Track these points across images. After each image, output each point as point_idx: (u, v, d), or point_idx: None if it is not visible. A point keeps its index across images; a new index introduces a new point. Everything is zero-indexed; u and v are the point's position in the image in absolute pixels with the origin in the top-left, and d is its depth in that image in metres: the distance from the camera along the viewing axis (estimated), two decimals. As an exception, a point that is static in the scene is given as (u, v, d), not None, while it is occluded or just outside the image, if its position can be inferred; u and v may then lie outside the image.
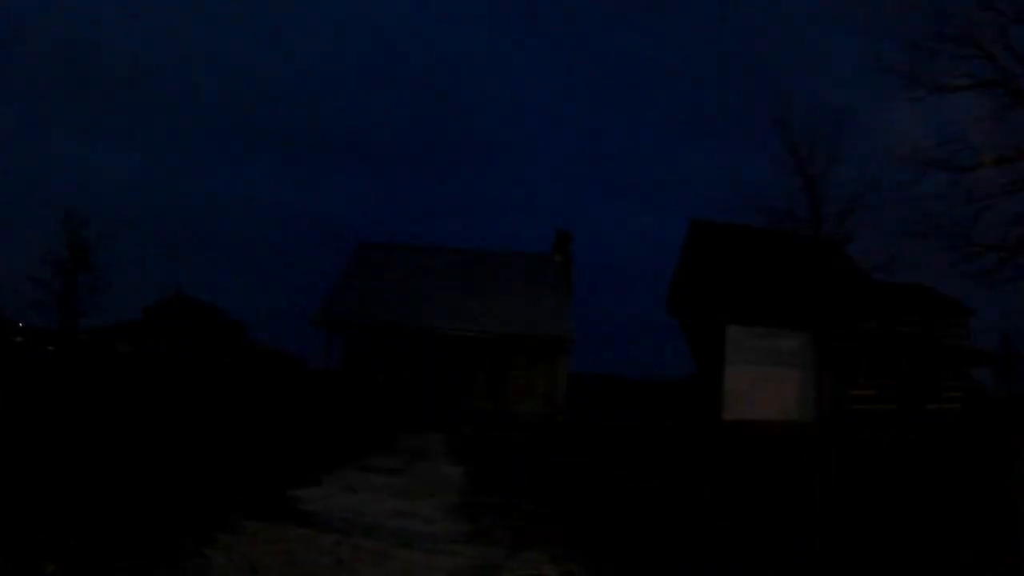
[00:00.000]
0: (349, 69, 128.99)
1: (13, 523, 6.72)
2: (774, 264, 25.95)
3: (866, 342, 24.99)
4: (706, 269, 26.29)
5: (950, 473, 7.24)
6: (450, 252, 33.72)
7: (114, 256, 43.14)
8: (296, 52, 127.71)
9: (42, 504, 7.37)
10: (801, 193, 26.45)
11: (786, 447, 10.04)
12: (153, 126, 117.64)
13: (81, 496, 7.92)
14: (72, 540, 6.63)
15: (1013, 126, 16.56)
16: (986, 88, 16.85)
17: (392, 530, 9.23)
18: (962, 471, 7.17)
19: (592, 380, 28.90)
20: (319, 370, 27.05)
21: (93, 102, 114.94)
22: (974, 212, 17.06)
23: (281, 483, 11.46)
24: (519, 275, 32.09)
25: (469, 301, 29.86)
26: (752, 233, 28.36)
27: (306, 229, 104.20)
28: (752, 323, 24.11)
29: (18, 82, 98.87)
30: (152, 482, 8.94)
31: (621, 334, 42.72)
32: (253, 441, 14.18)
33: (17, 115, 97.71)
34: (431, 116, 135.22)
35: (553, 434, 16.79)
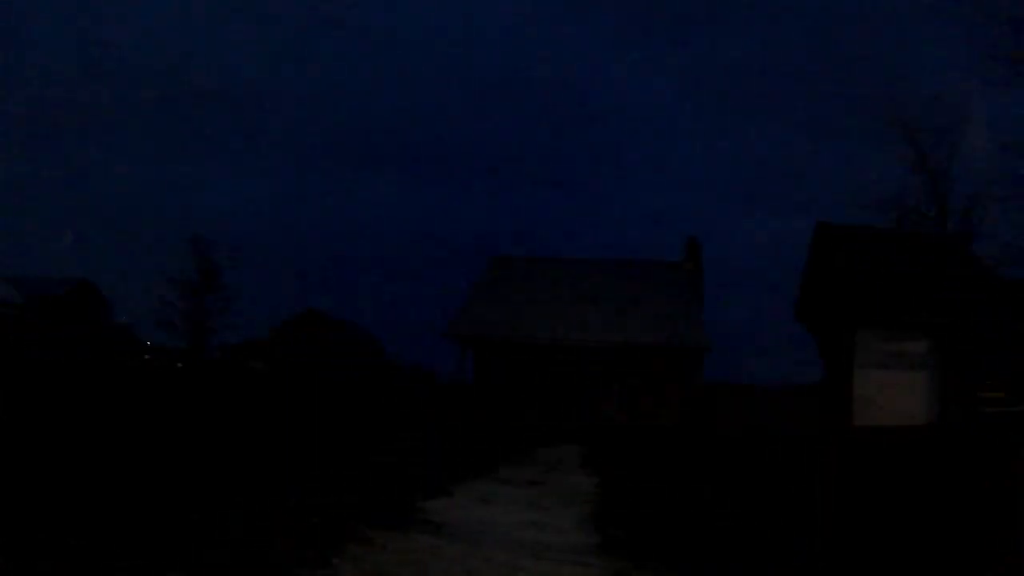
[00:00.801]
0: (469, 86, 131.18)
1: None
2: (899, 265, 24.46)
3: (994, 342, 23.42)
4: (832, 272, 25.19)
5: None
6: (580, 263, 33.43)
7: (244, 277, 44.85)
8: (415, 72, 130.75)
9: (150, 507, 7.44)
10: (925, 189, 25.43)
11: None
12: (280, 149, 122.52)
13: (194, 503, 7.94)
14: (195, 548, 6.62)
15: None
16: None
17: (523, 541, 8.98)
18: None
19: (722, 389, 28.02)
20: (450, 383, 27.14)
21: (221, 128, 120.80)
22: None
23: (412, 495, 11.37)
24: (650, 285, 31.56)
25: (601, 312, 29.49)
26: (877, 234, 27.52)
27: (434, 244, 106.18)
28: (880, 326, 23.19)
29: (145, 112, 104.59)
30: (278, 492, 8.92)
31: (749, 340, 41.51)
32: (383, 452, 14.22)
33: (147, 144, 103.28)
34: (551, 127, 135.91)
35: (684, 445, 16.18)
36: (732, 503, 10.20)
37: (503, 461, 17.41)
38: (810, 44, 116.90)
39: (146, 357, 25.21)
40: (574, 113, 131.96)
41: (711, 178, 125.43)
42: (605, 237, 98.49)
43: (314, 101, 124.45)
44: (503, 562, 7.80)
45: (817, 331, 26.52)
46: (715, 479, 11.75)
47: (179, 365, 23.44)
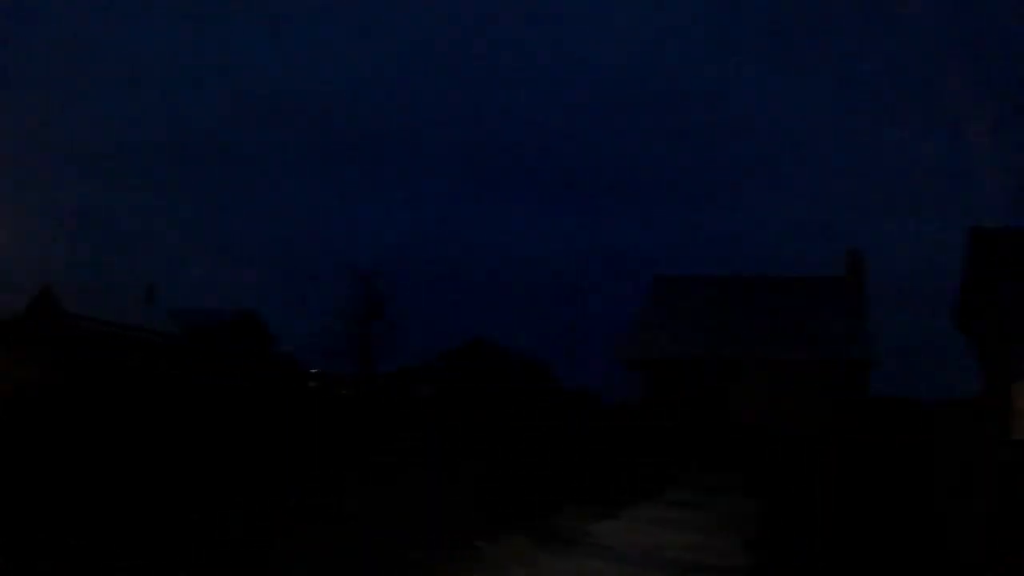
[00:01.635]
0: (616, 103, 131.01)
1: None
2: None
3: None
4: (989, 278, 24.06)
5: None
6: (740, 281, 33.13)
7: (408, 305, 46.08)
8: (557, 93, 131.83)
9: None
10: None
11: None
12: (431, 179, 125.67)
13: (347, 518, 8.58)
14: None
15: None
16: None
17: (687, 564, 9.23)
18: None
19: (888, 404, 27.01)
20: (617, 404, 27.41)
21: (374, 162, 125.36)
22: None
23: (578, 517, 11.74)
24: (813, 300, 30.97)
25: (764, 330, 29.15)
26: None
27: (592, 265, 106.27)
28: None
29: (302, 147, 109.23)
30: (440, 512, 9.36)
31: (914, 353, 39.59)
32: (549, 475, 14.66)
33: (309, 181, 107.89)
34: (694, 144, 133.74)
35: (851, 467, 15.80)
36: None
37: (669, 484, 17.54)
38: (950, 45, 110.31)
39: (311, 384, 26.79)
40: (720, 125, 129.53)
41: (868, 186, 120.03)
42: (762, 251, 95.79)
43: (464, 127, 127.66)
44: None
45: (976, 341, 25.61)
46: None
47: (343, 392, 24.81)
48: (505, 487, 12.34)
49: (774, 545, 10.27)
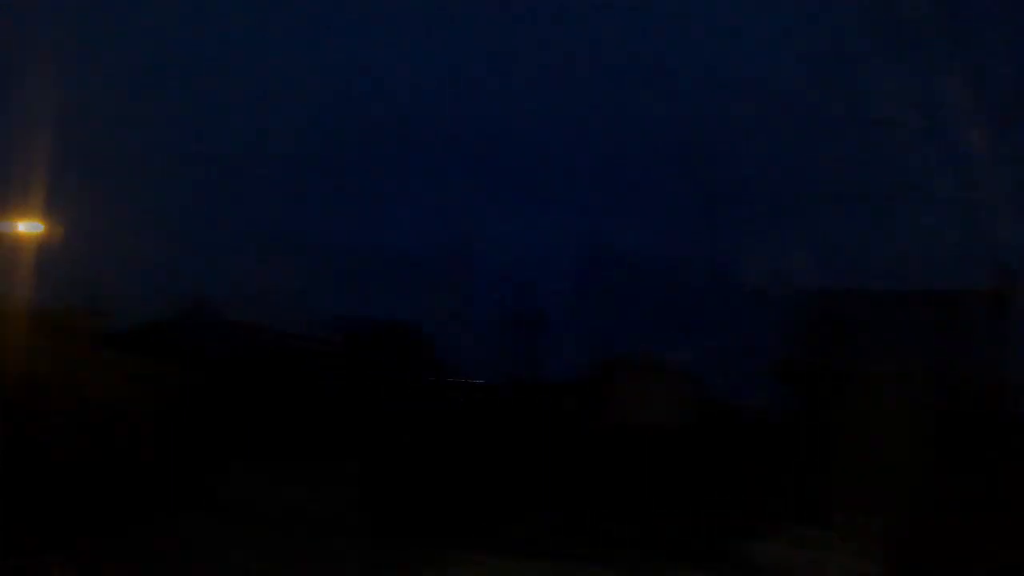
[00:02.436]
0: (754, 116, 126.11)
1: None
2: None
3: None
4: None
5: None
6: (892, 295, 31.78)
7: (565, 318, 45.59)
8: (695, 105, 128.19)
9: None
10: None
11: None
12: (585, 190, 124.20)
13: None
14: None
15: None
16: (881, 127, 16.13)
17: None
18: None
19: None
20: (768, 420, 26.33)
21: (528, 168, 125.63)
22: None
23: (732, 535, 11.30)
24: (965, 315, 29.68)
25: (918, 345, 27.79)
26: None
27: (737, 278, 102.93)
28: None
29: (461, 158, 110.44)
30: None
31: None
32: (709, 494, 14.10)
33: (448, 197, 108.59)
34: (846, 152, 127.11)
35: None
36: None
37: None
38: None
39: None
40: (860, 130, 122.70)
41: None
42: (909, 264, 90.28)
43: (609, 138, 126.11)
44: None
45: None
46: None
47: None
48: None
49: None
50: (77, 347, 24.67)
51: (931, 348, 27.17)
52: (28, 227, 19.97)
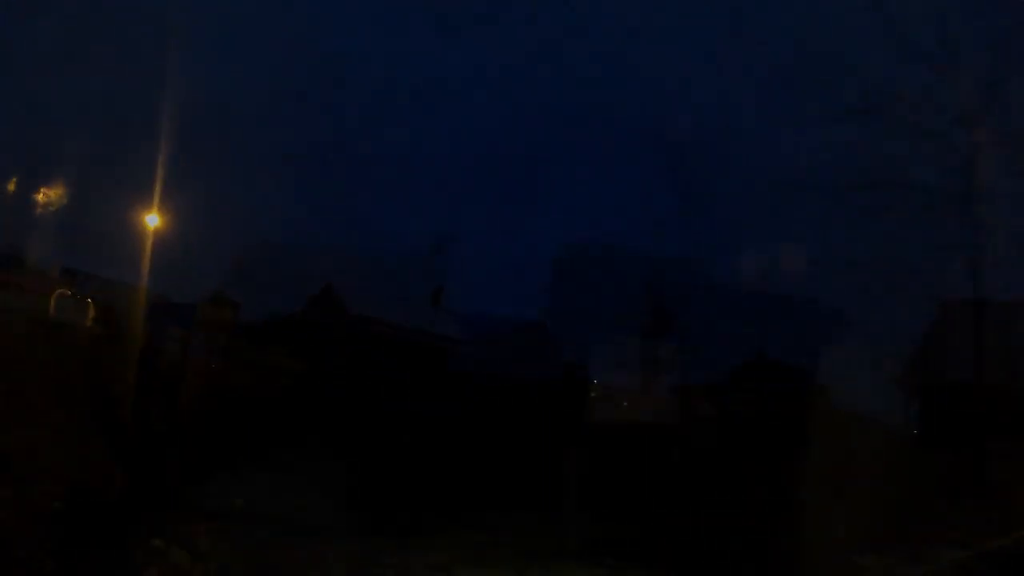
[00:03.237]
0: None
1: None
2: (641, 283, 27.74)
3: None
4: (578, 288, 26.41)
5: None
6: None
7: (700, 321, 44.96)
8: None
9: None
10: (682, 207, 20.64)
11: None
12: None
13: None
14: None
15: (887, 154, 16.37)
16: (861, 117, 16.41)
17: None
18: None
19: None
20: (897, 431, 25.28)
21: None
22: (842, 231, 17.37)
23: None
24: None
25: None
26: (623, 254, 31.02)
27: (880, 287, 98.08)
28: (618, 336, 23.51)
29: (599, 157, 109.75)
30: None
31: None
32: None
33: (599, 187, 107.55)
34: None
35: None
36: None
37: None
38: None
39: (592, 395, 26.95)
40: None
41: (467, 175, 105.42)
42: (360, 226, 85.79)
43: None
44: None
45: (563, 334, 29.86)
46: None
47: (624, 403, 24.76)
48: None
49: None
50: (219, 337, 26.12)
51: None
52: (165, 221, 21.11)
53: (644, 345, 38.73)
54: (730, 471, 18.19)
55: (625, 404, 27.15)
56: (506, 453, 14.68)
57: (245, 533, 10.09)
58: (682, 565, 9.36)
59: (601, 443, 14.06)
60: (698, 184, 33.64)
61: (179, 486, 13.10)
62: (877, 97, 16.66)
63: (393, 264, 32.40)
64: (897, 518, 14.20)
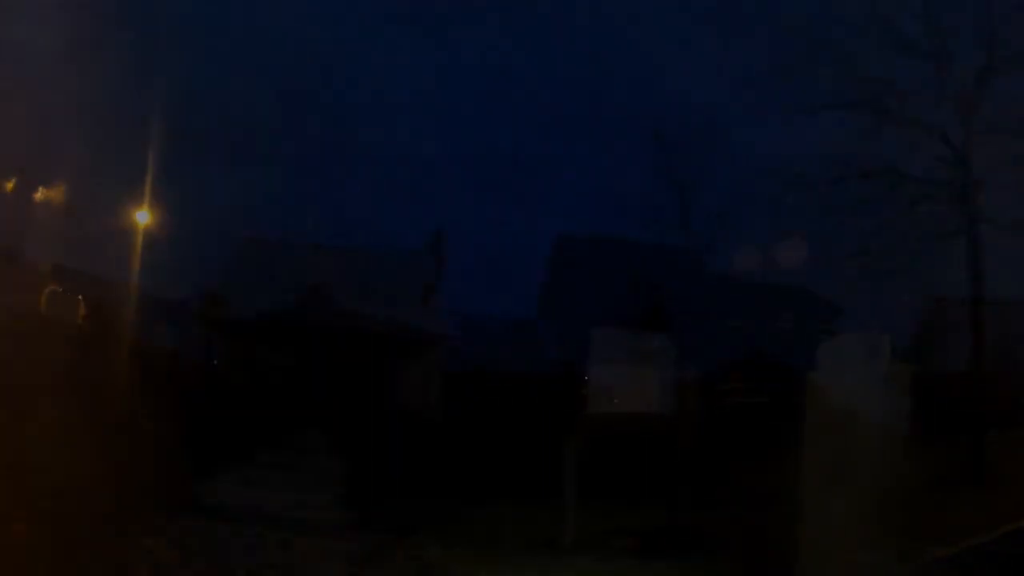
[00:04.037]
0: None
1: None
2: (632, 270, 29.77)
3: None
4: (572, 277, 28.45)
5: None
6: (324, 249, 31.82)
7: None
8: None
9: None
10: (671, 197, 26.62)
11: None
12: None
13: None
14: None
15: (877, 144, 17.05)
16: (853, 109, 17.27)
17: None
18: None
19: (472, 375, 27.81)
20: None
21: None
22: (837, 222, 17.96)
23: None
24: (392, 273, 31.33)
25: (342, 298, 27.83)
26: (614, 243, 31.87)
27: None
28: (614, 325, 25.61)
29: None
30: None
31: (490, 332, 40.48)
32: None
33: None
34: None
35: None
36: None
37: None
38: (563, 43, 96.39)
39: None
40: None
41: (460, 171, 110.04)
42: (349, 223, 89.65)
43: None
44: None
45: (557, 326, 29.94)
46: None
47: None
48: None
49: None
50: (209, 332, 26.13)
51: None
52: (152, 217, 21.13)
53: (638, 337, 38.78)
54: (724, 463, 18.29)
55: (620, 396, 27.44)
56: (500, 447, 14.72)
57: (239, 530, 10.06)
58: (679, 555, 9.33)
59: (596, 435, 14.09)
60: (689, 175, 34.34)
61: (173, 483, 13.08)
62: (870, 87, 16.84)
63: (385, 260, 32.31)
64: (890, 512, 14.23)
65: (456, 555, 9.08)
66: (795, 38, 17.55)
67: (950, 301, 31.72)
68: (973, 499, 12.89)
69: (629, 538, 10.06)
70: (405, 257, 32.70)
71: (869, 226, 17.78)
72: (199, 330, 26.80)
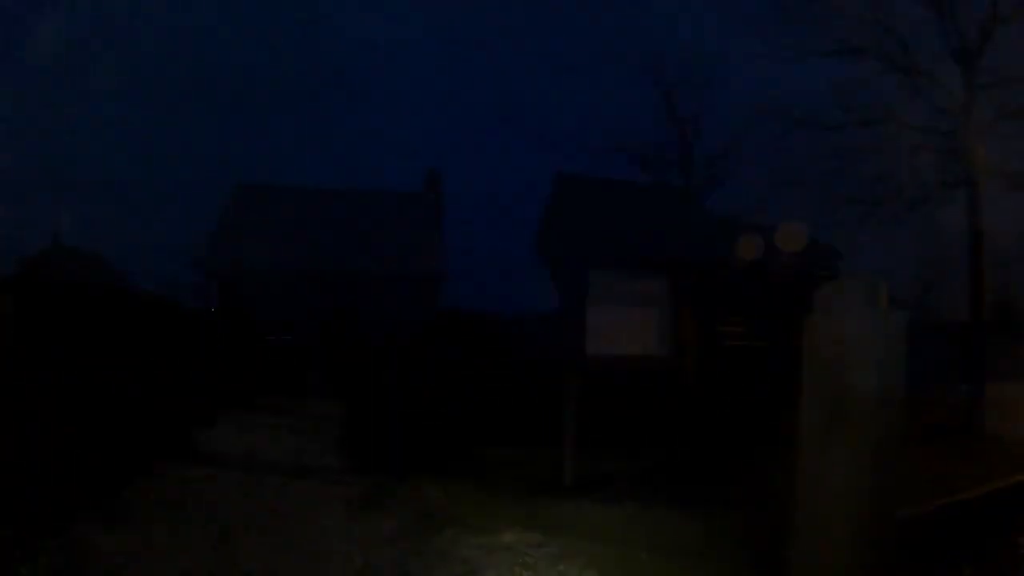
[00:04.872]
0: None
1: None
2: (632, 212, 29.05)
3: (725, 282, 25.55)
4: (569, 217, 27.54)
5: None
6: (323, 193, 31.92)
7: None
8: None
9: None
10: (671, 137, 27.17)
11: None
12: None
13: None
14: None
15: (878, 90, 17.11)
16: (854, 55, 17.18)
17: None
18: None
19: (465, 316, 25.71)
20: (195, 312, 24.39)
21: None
22: (838, 168, 17.86)
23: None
24: (391, 214, 30.87)
25: (345, 241, 28.45)
26: (613, 184, 31.34)
27: (175, 171, 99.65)
28: (612, 267, 25.41)
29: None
30: None
31: (488, 271, 42.01)
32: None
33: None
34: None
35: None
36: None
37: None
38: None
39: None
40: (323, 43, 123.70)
41: (453, 111, 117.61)
42: (345, 166, 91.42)
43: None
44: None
45: (555, 267, 27.69)
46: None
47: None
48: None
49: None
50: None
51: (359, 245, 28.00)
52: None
53: (637, 278, 38.97)
54: (722, 405, 18.42)
55: (619, 337, 27.54)
56: (500, 389, 14.69)
57: (240, 478, 10.10)
58: (679, 496, 9.35)
59: (595, 376, 14.06)
60: (690, 116, 34.54)
61: (174, 432, 13.15)
62: (871, 33, 16.62)
63: (384, 200, 32.16)
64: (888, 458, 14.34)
65: (456, 497, 9.12)
66: None
67: (947, 251, 32.17)
68: (970, 450, 12.93)
69: (630, 479, 10.07)
70: (404, 198, 32.40)
71: (869, 173, 17.79)
72: (197, 278, 26.55)
